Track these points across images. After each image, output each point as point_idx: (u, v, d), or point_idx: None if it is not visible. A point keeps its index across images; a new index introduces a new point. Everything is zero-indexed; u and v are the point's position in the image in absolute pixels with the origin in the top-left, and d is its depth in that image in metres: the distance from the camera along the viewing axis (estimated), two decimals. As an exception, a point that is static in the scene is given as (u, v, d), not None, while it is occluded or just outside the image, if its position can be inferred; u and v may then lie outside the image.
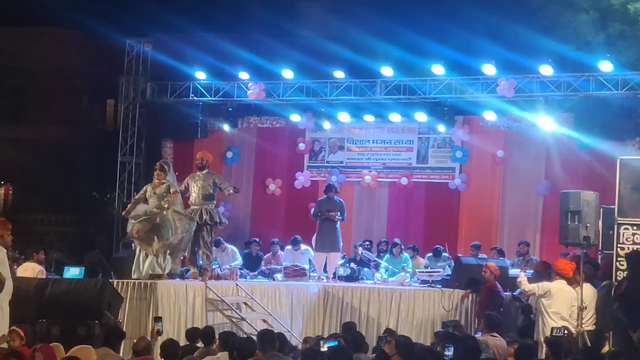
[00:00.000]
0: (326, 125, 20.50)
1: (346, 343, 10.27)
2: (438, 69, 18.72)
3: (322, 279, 17.13)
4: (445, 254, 17.68)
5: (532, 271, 14.80)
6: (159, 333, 10.92)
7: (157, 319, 11.13)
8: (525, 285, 13.46)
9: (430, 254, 17.86)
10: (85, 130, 31.15)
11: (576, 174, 18.34)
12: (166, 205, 13.71)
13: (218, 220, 15.01)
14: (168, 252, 13.87)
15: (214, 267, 15.98)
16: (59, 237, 27.69)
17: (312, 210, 18.22)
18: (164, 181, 14.04)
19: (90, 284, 12.62)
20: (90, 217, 27.54)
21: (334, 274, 17.25)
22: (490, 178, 19.68)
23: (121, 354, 10.01)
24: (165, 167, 14.27)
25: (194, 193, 14.83)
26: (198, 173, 15.11)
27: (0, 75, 30.29)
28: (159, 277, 13.60)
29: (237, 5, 25.65)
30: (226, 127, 21.15)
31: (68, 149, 29.78)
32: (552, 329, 12.27)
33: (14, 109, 32.03)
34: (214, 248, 17.45)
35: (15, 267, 13.93)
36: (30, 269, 14.24)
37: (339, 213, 17.43)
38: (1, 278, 10.72)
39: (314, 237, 17.71)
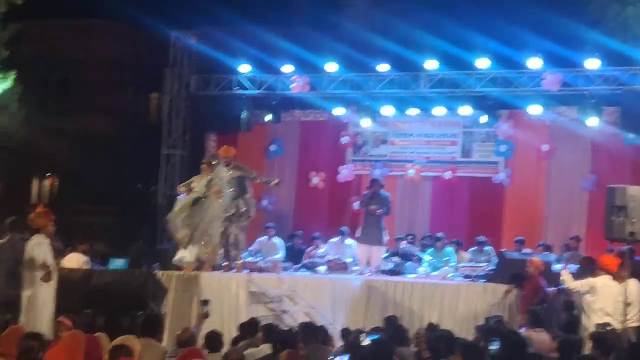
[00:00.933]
0: (369, 119, 20.42)
1: (388, 337, 10.25)
2: (483, 62, 18.60)
3: (366, 273, 17.10)
4: (489, 248, 17.57)
5: (575, 266, 14.67)
6: (206, 316, 10.99)
7: (204, 302, 11.20)
8: (569, 282, 13.34)
9: (473, 248, 17.76)
10: (130, 122, 31.32)
11: (622, 169, 18.15)
12: (215, 190, 13.77)
13: (244, 212, 14.99)
14: (195, 238, 13.83)
15: (257, 259, 16.04)
16: (104, 229, 27.92)
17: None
18: (210, 174, 14.08)
19: (134, 275, 12.74)
20: (134, 209, 27.70)
21: (377, 267, 17.22)
22: (534, 172, 19.54)
23: (164, 344, 10.08)
24: (213, 160, 14.30)
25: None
26: (224, 168, 15.02)
27: (47, 67, 30.55)
28: (198, 267, 13.64)
29: (282, -3, 25.64)
30: (269, 120, 21.16)
31: (113, 141, 29.96)
32: (597, 325, 12.15)
33: (60, 101, 32.32)
34: (263, 238, 17.57)
35: (59, 257, 14.12)
36: (75, 260, 14.37)
37: (383, 207, 17.33)
38: (49, 266, 10.87)
39: (358, 230, 17.68)
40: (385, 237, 17.48)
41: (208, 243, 13.91)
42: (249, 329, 11.00)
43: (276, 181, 15.64)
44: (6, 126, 21.79)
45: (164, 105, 22.52)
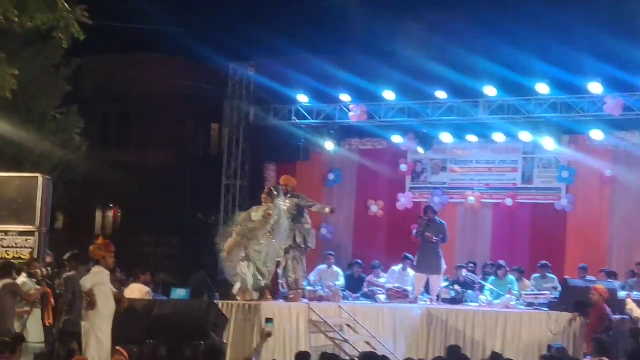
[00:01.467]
0: (426, 147, 20.34)
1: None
2: (542, 88, 18.46)
3: (426, 301, 16.96)
4: (552, 276, 17.33)
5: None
6: (269, 335, 10.97)
7: (268, 320, 11.20)
8: (635, 310, 13.11)
9: (536, 275, 17.48)
10: (191, 153, 31.68)
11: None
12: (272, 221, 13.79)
13: (302, 242, 14.93)
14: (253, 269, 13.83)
15: (317, 288, 16.00)
16: (166, 259, 28.19)
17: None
18: (270, 205, 14.10)
19: (196, 305, 12.77)
20: (195, 239, 27.93)
21: (437, 296, 17.07)
22: (598, 198, 19.25)
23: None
24: (274, 191, 14.29)
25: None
26: (284, 198, 15.01)
27: (109, 101, 31.07)
28: (261, 294, 13.66)
29: (338, 26, 25.75)
30: (328, 149, 21.20)
31: (174, 172, 30.29)
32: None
33: (121, 134, 32.80)
34: (322, 266, 17.54)
35: (122, 288, 14.25)
36: (138, 290, 14.47)
37: (440, 236, 17.22)
38: (93, 295, 10.98)
39: (415, 258, 17.54)
40: (443, 266, 17.33)
41: (266, 274, 13.93)
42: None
43: (329, 209, 15.56)
44: (69, 159, 22.13)
45: (224, 136, 22.70)
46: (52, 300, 13.03)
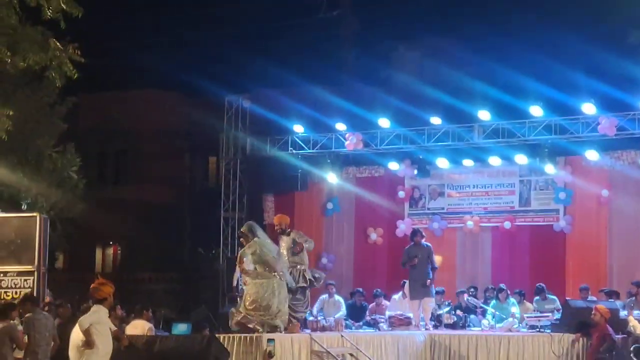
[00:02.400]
0: (423, 173, 20.35)
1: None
2: (536, 110, 18.53)
3: (428, 328, 16.88)
4: (552, 296, 17.29)
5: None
6: (271, 355, 10.90)
7: (270, 340, 11.14)
8: (639, 329, 13.07)
9: (537, 297, 17.46)
10: (189, 188, 31.68)
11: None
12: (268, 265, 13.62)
13: (311, 279, 14.79)
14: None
15: (319, 318, 15.93)
16: (166, 294, 28.10)
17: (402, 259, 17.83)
18: (250, 244, 13.88)
19: (197, 339, 12.74)
20: (196, 274, 27.88)
21: (431, 320, 16.97)
22: (595, 219, 19.26)
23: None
24: (244, 231, 14.04)
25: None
26: (282, 236, 14.88)
27: (104, 139, 31.07)
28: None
29: (333, 54, 25.91)
30: (326, 179, 21.23)
31: (172, 208, 30.28)
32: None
33: (118, 171, 32.81)
34: (324, 296, 17.47)
35: (123, 325, 14.21)
36: (140, 327, 14.44)
37: (425, 259, 17.03)
38: (91, 340, 10.97)
39: (405, 286, 17.43)
40: (433, 289, 17.10)
41: (278, 315, 13.76)
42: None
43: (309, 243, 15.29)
44: (67, 198, 22.11)
45: (221, 169, 22.73)
46: None
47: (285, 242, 14.67)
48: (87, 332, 11.16)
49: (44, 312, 13.10)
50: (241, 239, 14.17)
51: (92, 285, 11.73)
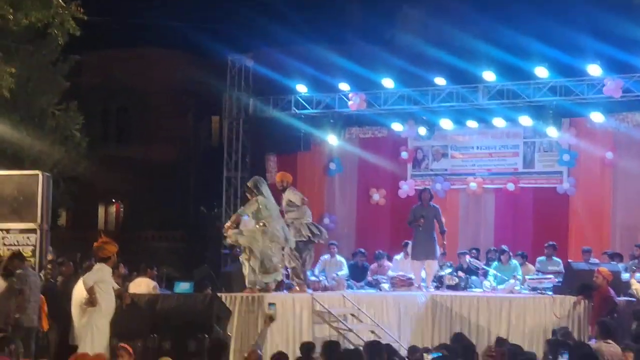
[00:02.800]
0: (428, 133, 20.26)
1: (457, 354, 10.10)
2: (541, 71, 18.41)
3: (429, 288, 16.87)
4: (557, 259, 17.28)
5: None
6: (272, 319, 10.92)
7: (271, 305, 11.16)
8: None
9: (542, 258, 17.40)
10: (192, 147, 31.68)
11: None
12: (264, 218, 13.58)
13: (309, 235, 14.73)
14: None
15: (320, 278, 15.96)
16: (169, 253, 28.18)
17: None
18: (250, 202, 13.81)
19: (199, 298, 12.76)
20: (198, 233, 27.95)
21: (433, 282, 16.98)
22: (599, 181, 19.20)
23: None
24: (250, 186, 13.99)
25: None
26: (283, 194, 14.80)
27: (107, 97, 31.03)
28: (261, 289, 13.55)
29: (337, 13, 25.72)
30: (328, 139, 21.15)
31: (175, 166, 30.30)
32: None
33: (121, 129, 32.77)
34: (326, 256, 17.49)
35: (126, 284, 14.25)
36: (145, 285, 14.47)
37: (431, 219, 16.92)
38: (94, 298, 11.00)
39: (409, 246, 17.38)
40: (438, 251, 17.03)
41: (271, 270, 13.76)
42: (308, 349, 10.83)
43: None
44: (70, 156, 22.11)
45: (224, 128, 22.67)
46: (46, 309, 13.01)
47: (284, 199, 14.64)
48: (91, 290, 11.21)
49: (31, 268, 13.19)
50: (246, 194, 14.12)
51: (95, 244, 11.78)
